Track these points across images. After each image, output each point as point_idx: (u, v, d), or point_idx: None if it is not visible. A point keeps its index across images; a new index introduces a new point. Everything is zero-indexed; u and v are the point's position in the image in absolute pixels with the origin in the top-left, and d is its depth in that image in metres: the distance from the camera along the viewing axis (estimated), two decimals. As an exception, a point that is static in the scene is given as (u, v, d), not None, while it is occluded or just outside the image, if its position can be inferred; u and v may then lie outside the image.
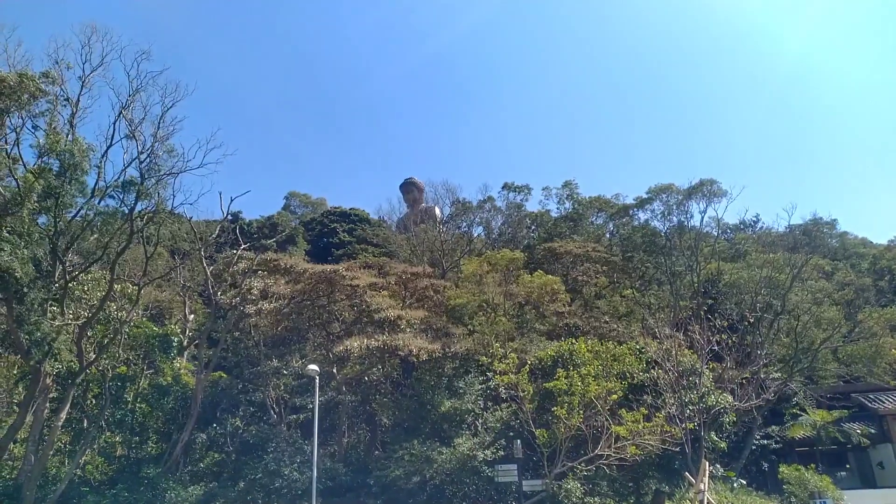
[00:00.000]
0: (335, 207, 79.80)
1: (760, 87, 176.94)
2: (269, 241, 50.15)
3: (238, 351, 37.47)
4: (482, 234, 67.85)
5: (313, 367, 26.15)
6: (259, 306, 33.88)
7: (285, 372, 34.15)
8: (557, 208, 69.38)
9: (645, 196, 53.60)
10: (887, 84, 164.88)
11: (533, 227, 69.31)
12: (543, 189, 69.80)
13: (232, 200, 34.81)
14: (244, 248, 37.31)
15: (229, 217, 40.84)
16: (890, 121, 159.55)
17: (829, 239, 73.50)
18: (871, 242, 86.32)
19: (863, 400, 41.78)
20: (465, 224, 67.12)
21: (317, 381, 26.33)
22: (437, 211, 74.23)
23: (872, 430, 39.86)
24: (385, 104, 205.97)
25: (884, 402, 40.70)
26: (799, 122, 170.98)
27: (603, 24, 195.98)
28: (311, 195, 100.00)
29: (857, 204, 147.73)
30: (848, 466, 42.25)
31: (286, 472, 27.37)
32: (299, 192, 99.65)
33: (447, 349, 31.67)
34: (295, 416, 33.72)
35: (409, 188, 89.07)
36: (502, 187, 68.33)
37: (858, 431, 39.18)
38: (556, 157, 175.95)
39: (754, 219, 68.56)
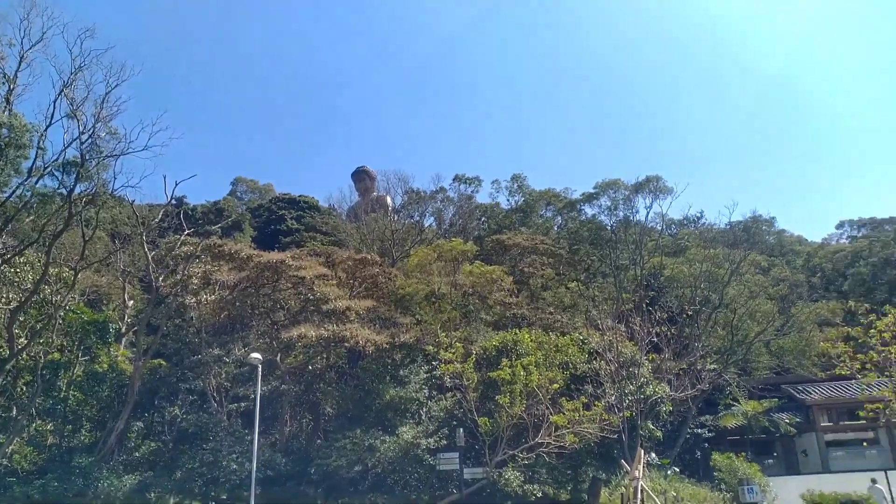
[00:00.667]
0: (284, 194, 78.77)
1: (708, 86, 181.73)
2: (214, 227, 49.26)
3: (179, 338, 36.63)
4: (433, 224, 68.21)
5: (256, 355, 25.84)
6: (201, 294, 33.24)
7: (227, 360, 33.57)
8: (507, 200, 70.30)
9: (593, 191, 54.80)
10: (828, 88, 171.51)
11: (483, 219, 70.01)
12: (493, 182, 70.75)
13: (177, 185, 33.71)
14: (188, 234, 36.43)
15: (173, 201, 39.79)
16: (828, 124, 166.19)
17: (767, 236, 76.57)
18: (807, 240, 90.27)
19: (792, 391, 43.73)
20: (416, 214, 67.43)
21: (259, 369, 26.00)
22: (389, 200, 73.96)
23: (799, 420, 41.85)
24: (337, 93, 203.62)
25: (811, 394, 42.68)
26: (745, 122, 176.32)
27: (555, 20, 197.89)
28: (258, 181, 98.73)
29: (794, 203, 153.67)
30: (775, 454, 44.28)
31: (225, 462, 27.00)
32: (246, 177, 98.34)
33: (395, 339, 31.72)
34: (236, 405, 33.25)
35: (361, 176, 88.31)
36: (453, 179, 68.99)
37: (786, 421, 41.03)
38: (507, 149, 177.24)
39: (698, 215, 70.45)
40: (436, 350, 30.44)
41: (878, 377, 23.86)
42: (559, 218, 67.55)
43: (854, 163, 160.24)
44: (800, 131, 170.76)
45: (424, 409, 30.84)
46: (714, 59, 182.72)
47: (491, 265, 43.08)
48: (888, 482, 27.36)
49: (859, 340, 24.59)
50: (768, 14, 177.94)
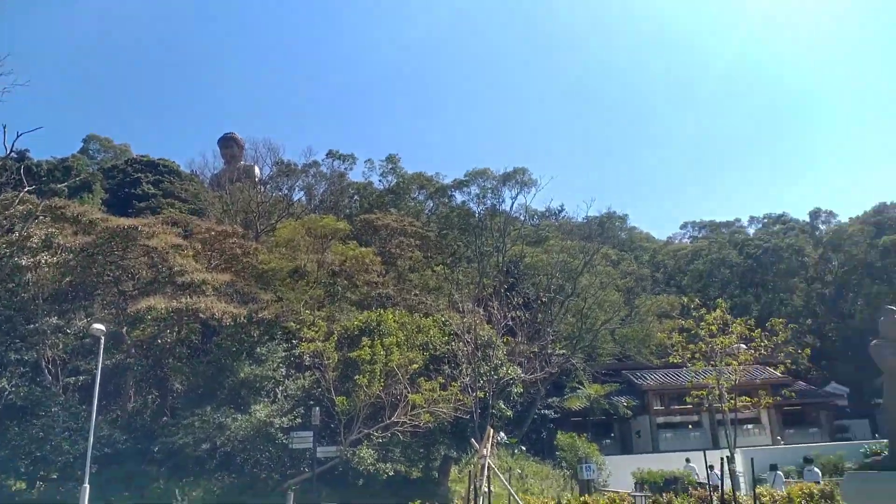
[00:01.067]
0: (141, 156, 73.30)
1: (575, 85, 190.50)
2: (60, 186, 45.12)
3: (11, 304, 33.19)
4: (303, 199, 66.90)
5: (99, 326, 24.19)
6: (39, 257, 30.43)
7: (67, 331, 31.05)
8: (380, 181, 70.32)
9: (463, 178, 56.37)
10: (682, 91, 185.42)
11: (356, 198, 69.57)
12: (367, 161, 70.45)
13: (18, 136, 30.38)
14: (28, 191, 33.08)
15: (13, 155, 36.09)
16: (679, 126, 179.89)
17: (619, 232, 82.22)
18: (654, 238, 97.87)
19: (631, 377, 47.56)
20: (286, 187, 65.86)
21: (102, 341, 24.36)
22: (257, 170, 71.22)
23: (635, 403, 45.60)
24: (207, 57, 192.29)
25: (647, 380, 46.64)
26: (606, 121, 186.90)
27: (432, 9, 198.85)
28: (113, 140, 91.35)
29: (645, 202, 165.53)
30: (613, 435, 48.05)
31: (57, 440, 25.14)
32: (101, 135, 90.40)
33: (254, 315, 30.87)
34: (74, 379, 30.81)
35: (229, 143, 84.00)
36: (327, 154, 68.03)
37: (624, 404, 44.56)
38: (383, 129, 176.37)
39: (559, 208, 73.90)
40: (297, 328, 29.99)
41: (705, 366, 26.09)
42: (430, 202, 68.60)
43: (698, 167, 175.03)
44: (654, 134, 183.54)
45: (281, 388, 30.27)
46: (578, 60, 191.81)
47: (361, 244, 43.02)
48: (705, 460, 30.46)
49: (692, 332, 26.69)
50: (637, 15, 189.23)
